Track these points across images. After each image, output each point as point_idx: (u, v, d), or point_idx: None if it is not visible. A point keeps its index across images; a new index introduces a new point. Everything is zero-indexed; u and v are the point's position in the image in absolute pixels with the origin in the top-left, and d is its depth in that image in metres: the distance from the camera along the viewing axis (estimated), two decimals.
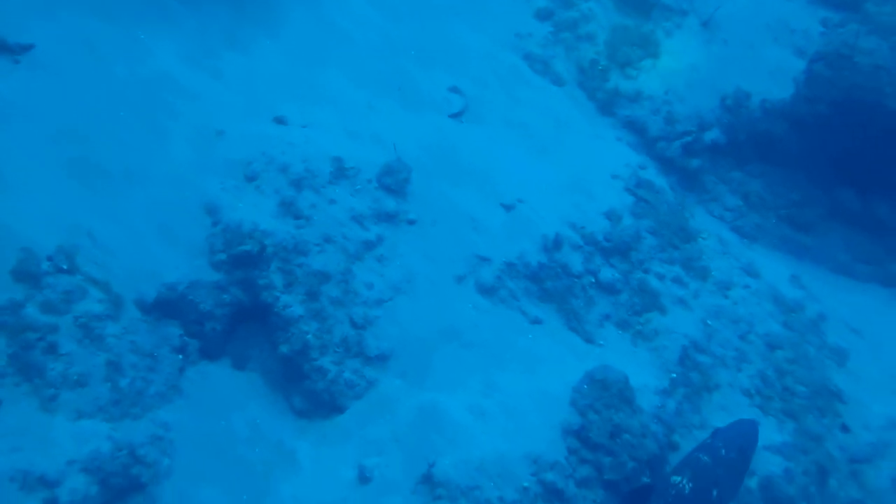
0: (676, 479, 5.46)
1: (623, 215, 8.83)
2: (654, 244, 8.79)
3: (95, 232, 6.99)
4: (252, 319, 7.34)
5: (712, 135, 9.77)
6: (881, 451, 8.29)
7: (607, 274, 8.39)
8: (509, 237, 8.33)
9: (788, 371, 8.49)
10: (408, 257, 7.92)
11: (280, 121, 8.38)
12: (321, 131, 8.52)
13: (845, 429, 8.39)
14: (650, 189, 9.17)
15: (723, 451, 5.65)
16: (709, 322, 8.54)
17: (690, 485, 5.36)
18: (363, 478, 6.56)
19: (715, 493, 5.49)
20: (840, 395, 8.59)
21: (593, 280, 8.35)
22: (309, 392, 7.14)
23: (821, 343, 9.02)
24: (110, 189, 7.33)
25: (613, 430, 6.91)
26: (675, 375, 7.94)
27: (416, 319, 7.57)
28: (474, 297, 7.92)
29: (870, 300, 9.88)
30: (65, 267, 6.56)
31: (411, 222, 8.14)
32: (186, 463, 6.39)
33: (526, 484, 6.59)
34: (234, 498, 6.41)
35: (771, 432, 8.02)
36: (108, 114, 7.75)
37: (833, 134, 9.60)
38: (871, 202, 9.81)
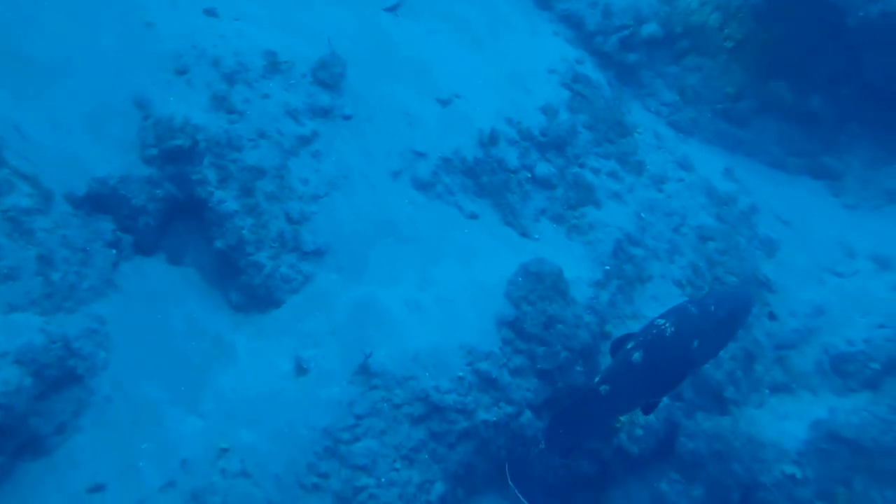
0: (660, 321, 5.46)
1: (559, 110, 8.83)
2: (589, 139, 8.84)
3: (23, 125, 6.85)
4: (187, 215, 7.32)
5: (650, 28, 9.77)
6: (806, 337, 8.64)
7: (543, 169, 8.45)
8: (445, 132, 8.32)
9: (719, 262, 8.70)
10: (343, 153, 7.90)
11: (210, 13, 8.18)
12: (253, 24, 8.34)
13: (772, 317, 8.70)
14: (587, 84, 9.17)
15: (712, 307, 5.58)
16: (643, 215, 8.67)
17: (672, 329, 5.35)
18: (300, 369, 6.68)
19: (696, 343, 5.47)
20: (769, 284, 8.88)
21: (529, 175, 8.40)
22: (245, 286, 7.20)
23: (751, 234, 9.26)
24: (37, 82, 7.14)
25: (547, 321, 7.08)
26: (608, 268, 8.09)
27: (352, 215, 7.61)
28: (410, 193, 7.96)
29: (800, 192, 10.17)
30: None
31: (347, 118, 8.09)
32: (123, 356, 6.45)
33: (461, 374, 6.75)
34: (172, 389, 6.51)
35: None
36: (31, 3, 7.48)
37: (766, 25, 9.66)
38: (804, 95, 9.97)
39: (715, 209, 9.17)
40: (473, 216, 8.05)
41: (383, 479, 6.36)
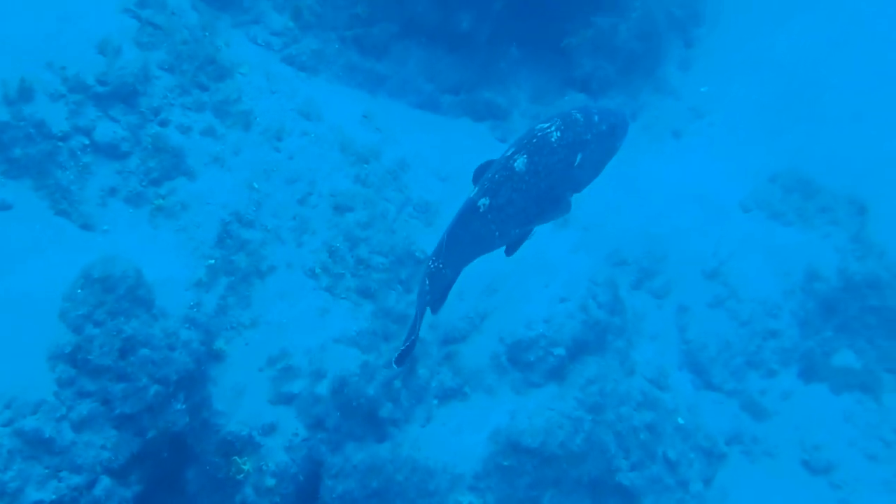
0: (543, 125, 5.48)
1: (123, 46, 8.35)
2: (172, 85, 8.54)
3: None
4: None
5: None
6: (478, 324, 8.96)
7: (107, 130, 8.03)
8: None
9: (363, 238, 8.79)
10: None
11: None
12: None
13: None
14: (161, 8, 8.75)
15: (596, 117, 5.67)
16: (256, 185, 8.58)
17: (558, 134, 5.41)
18: None
19: (579, 157, 5.58)
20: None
21: (87, 141, 7.95)
22: None
23: (403, 199, 9.44)
24: None
25: (125, 345, 6.78)
26: (213, 261, 7.97)
27: None
28: None
29: (460, 138, 10.55)
30: None
31: None
32: None
33: None
34: None
35: (343, 320, 8.38)
36: None
37: None
38: (451, 13, 10.29)
39: (353, 169, 9.24)
40: (5, 206, 7.39)
41: None
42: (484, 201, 5.35)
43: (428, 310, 5.48)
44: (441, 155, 10.13)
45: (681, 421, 9.13)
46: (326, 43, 10.14)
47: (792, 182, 11.36)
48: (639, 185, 11.06)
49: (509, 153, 5.40)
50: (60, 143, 7.79)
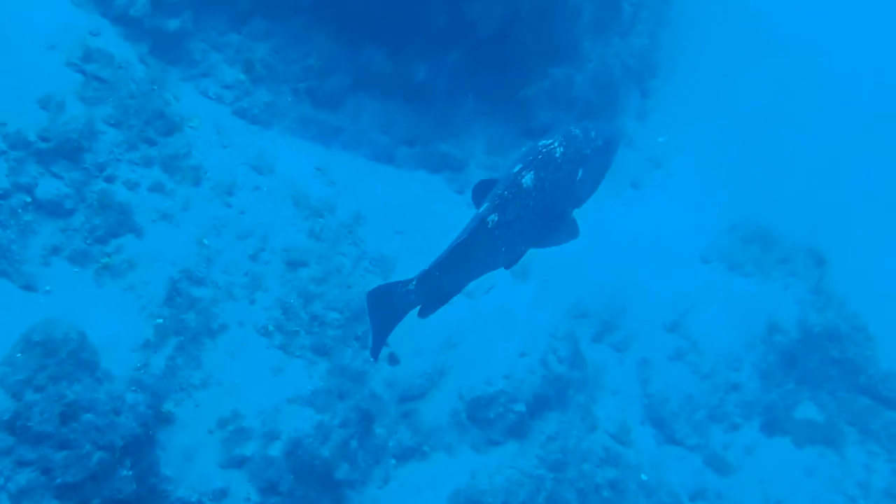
0: (546, 142, 5.55)
1: (67, 101, 8.12)
2: (118, 140, 8.29)
3: None
4: None
5: None
6: (436, 381, 8.80)
7: (49, 188, 7.76)
8: None
9: (317, 294, 8.58)
10: None
11: None
12: None
13: (394, 360, 8.75)
14: (107, 62, 8.54)
15: (592, 133, 5.79)
16: (206, 241, 8.34)
17: (562, 150, 5.52)
18: None
19: (580, 172, 5.68)
20: None
21: (28, 199, 7.67)
22: None
23: (359, 252, 9.25)
24: None
25: (67, 411, 6.44)
26: (162, 320, 7.69)
27: None
28: None
29: (417, 190, 10.41)
30: None
31: None
32: None
33: None
34: None
35: (298, 379, 8.12)
36: None
37: None
38: (406, 63, 10.18)
39: (307, 223, 9.06)
40: None
41: None
42: (493, 217, 5.31)
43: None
44: (397, 207, 10.01)
45: (644, 477, 9.00)
46: (279, 95, 9.96)
47: (751, 233, 11.40)
48: (599, 237, 10.96)
49: (515, 170, 5.41)
50: (0, 202, 7.48)
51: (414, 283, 5.26)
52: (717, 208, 11.81)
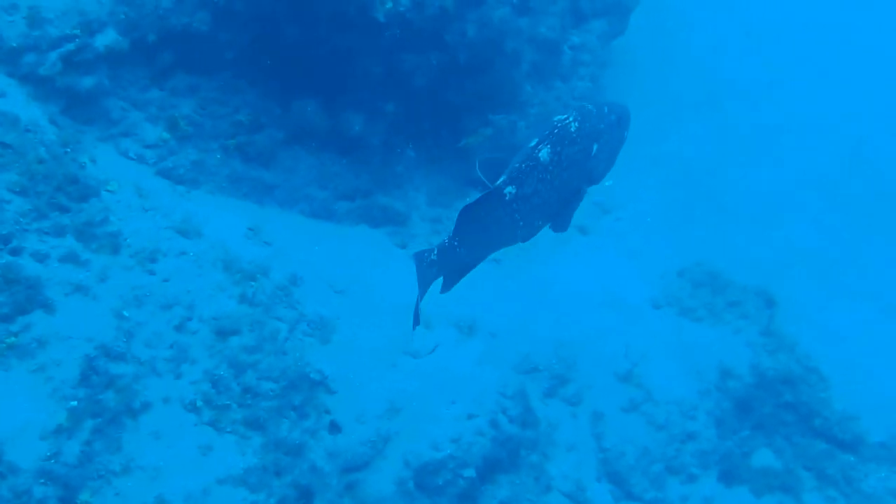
0: (560, 117, 5.52)
1: None
2: (25, 209, 7.58)
3: None
4: None
5: (106, 38, 8.65)
6: (381, 448, 8.22)
7: None
8: None
9: (250, 364, 7.96)
10: None
11: None
12: None
13: (335, 428, 8.18)
14: (11, 126, 7.88)
15: (605, 108, 5.74)
16: (126, 314, 7.65)
17: (577, 125, 5.46)
18: None
19: (595, 147, 5.61)
20: (326, 381, 8.35)
21: None
22: None
23: (296, 316, 8.68)
24: None
25: None
26: (76, 403, 6.98)
27: None
28: None
29: (357, 247, 9.92)
30: None
31: None
32: None
33: None
34: None
35: (229, 457, 7.49)
36: None
37: (275, 24, 9.23)
38: (341, 115, 9.72)
39: (238, 288, 8.41)
40: None
41: None
42: (510, 189, 5.30)
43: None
44: (337, 266, 9.49)
45: None
46: (207, 153, 9.38)
47: (700, 276, 11.14)
48: (547, 286, 10.62)
49: (532, 143, 5.41)
50: None
51: (435, 251, 5.34)
52: (667, 252, 11.52)
